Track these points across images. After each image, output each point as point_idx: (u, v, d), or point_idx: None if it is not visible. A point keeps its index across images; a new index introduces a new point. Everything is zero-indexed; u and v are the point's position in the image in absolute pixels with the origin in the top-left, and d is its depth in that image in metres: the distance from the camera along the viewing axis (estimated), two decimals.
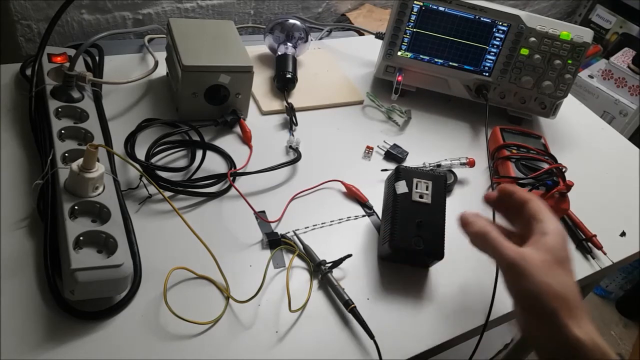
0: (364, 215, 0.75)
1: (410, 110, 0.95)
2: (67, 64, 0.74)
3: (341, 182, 0.78)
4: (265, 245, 0.67)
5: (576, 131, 1.04)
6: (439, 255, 0.65)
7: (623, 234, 0.83)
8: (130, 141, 0.74)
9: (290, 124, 0.86)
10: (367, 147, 0.86)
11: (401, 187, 0.68)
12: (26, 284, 0.56)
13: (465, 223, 0.57)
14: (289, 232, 0.69)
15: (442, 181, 0.70)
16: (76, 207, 0.58)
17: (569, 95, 1.00)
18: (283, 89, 0.92)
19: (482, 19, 0.91)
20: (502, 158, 0.84)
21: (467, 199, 0.82)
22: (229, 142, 0.81)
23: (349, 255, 0.66)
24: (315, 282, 0.65)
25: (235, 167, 0.76)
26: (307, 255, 0.67)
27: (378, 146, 0.87)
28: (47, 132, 0.68)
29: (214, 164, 0.77)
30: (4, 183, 0.66)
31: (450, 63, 0.95)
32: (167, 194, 0.70)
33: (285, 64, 0.93)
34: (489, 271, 0.71)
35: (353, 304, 0.61)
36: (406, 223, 0.65)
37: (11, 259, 0.58)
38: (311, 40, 1.01)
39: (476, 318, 0.66)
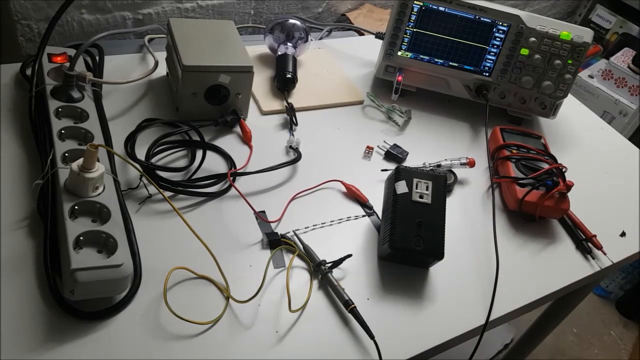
0: (364, 215, 0.75)
1: (410, 110, 0.95)
2: (67, 64, 0.73)
3: (341, 182, 0.78)
4: (265, 245, 0.67)
5: (576, 131, 1.04)
6: (439, 255, 0.65)
7: (623, 234, 0.83)
8: (130, 141, 0.74)
9: (290, 124, 0.86)
10: (367, 147, 0.86)
11: (401, 187, 0.68)
12: (26, 284, 0.56)
13: None
14: (289, 232, 0.69)
15: (442, 181, 0.70)
16: (76, 207, 0.58)
17: (569, 95, 1.00)
18: (283, 89, 0.92)
19: (482, 19, 0.91)
20: (502, 158, 0.84)
21: (467, 199, 0.82)
22: (229, 142, 0.81)
23: (349, 255, 0.66)
24: (315, 282, 0.65)
25: (235, 167, 0.76)
26: (307, 255, 0.67)
27: (378, 146, 0.87)
28: (47, 132, 0.68)
29: (214, 164, 0.77)
30: (4, 183, 0.66)
31: (450, 63, 0.95)
32: (167, 194, 0.70)
33: (285, 64, 0.93)
34: (489, 271, 0.71)
35: (353, 304, 0.61)
36: (406, 223, 0.65)
37: (11, 259, 0.58)
38: (311, 40, 1.01)
39: (476, 318, 0.66)
